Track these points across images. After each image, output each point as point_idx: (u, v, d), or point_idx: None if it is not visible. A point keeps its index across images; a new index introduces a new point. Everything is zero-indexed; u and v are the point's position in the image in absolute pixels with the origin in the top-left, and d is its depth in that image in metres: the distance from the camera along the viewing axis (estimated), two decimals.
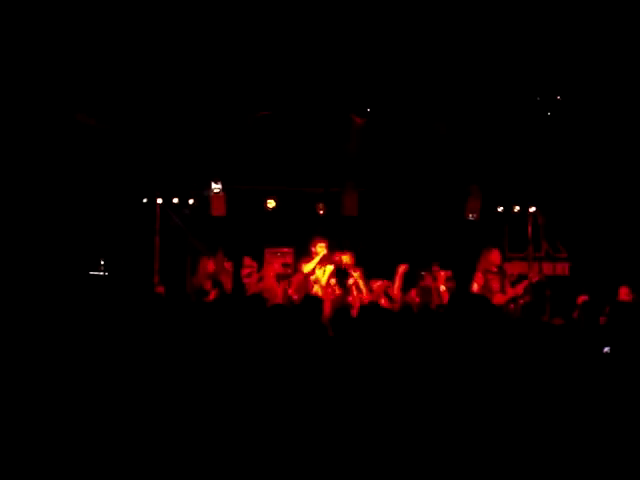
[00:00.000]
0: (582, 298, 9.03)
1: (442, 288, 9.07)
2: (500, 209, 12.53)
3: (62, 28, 8.51)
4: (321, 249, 9.44)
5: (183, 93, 10.27)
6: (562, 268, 12.90)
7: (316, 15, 8.53)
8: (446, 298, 8.90)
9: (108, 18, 8.54)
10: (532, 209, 12.48)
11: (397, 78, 9.85)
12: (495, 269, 9.39)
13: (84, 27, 8.56)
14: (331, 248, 9.82)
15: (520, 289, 9.30)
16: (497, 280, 9.35)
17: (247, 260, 11.82)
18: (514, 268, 11.85)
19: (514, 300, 9.16)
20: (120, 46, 9.18)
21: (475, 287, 9.06)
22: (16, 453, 2.58)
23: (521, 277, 10.29)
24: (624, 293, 8.85)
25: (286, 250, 12.23)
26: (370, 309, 6.71)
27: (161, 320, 6.12)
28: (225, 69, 9.75)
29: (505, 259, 10.68)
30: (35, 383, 2.93)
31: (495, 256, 9.46)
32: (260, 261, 12.24)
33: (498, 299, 8.89)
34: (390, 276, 9.56)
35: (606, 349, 4.47)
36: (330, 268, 8.90)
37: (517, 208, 12.44)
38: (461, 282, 10.38)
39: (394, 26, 8.70)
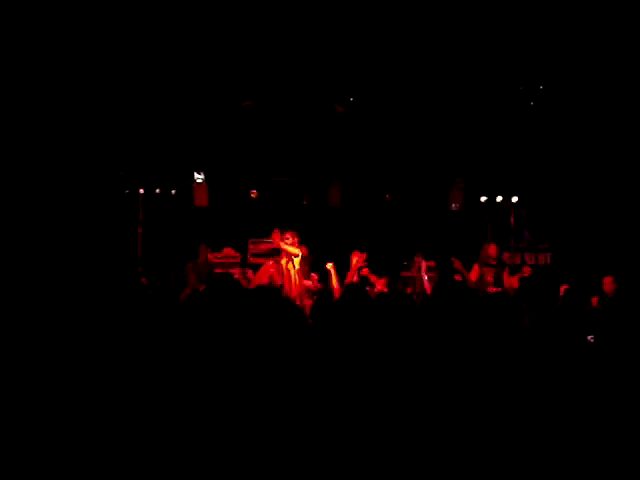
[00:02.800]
0: (564, 287, 9.13)
1: (425, 277, 9.08)
2: (483, 199, 12.57)
3: (51, 25, 8.44)
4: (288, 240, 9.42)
5: (166, 84, 10.20)
6: (544, 258, 13.00)
7: (300, 6, 8.50)
8: (428, 288, 8.92)
9: (91, 11, 8.46)
10: (514, 199, 12.54)
11: (380, 69, 9.83)
12: (493, 262, 9.51)
13: (69, 21, 8.48)
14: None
15: (515, 281, 9.39)
16: (492, 273, 9.47)
17: (229, 251, 11.84)
18: None
19: (507, 292, 9.24)
20: (104, 38, 9.11)
21: (471, 279, 9.16)
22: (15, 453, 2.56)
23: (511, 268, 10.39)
24: (608, 282, 8.91)
25: (269, 241, 12.18)
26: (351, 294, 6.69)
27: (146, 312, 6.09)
28: (209, 59, 9.69)
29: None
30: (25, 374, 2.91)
31: (492, 250, 9.61)
32: (243, 252, 12.24)
33: (491, 290, 8.98)
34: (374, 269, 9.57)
35: (590, 337, 4.50)
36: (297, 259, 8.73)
37: (499, 199, 12.48)
38: (444, 272, 10.45)
39: (377, 17, 8.67)
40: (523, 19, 8.89)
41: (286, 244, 8.50)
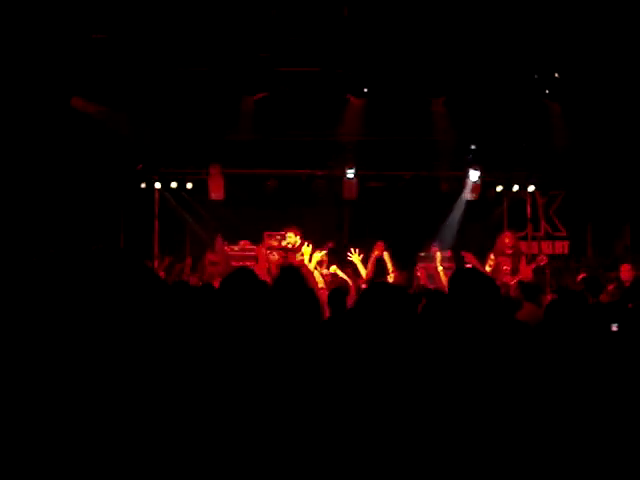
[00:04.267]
0: (581, 275, 9.08)
1: (440, 268, 8.99)
2: (499, 189, 12.50)
3: (55, 13, 8.46)
4: (290, 238, 9.48)
5: (181, 76, 10.22)
6: (561, 246, 12.93)
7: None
8: (445, 278, 8.84)
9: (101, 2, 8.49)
10: (531, 189, 12.45)
11: (394, 57, 9.78)
12: (509, 251, 9.45)
13: (77, 11, 8.50)
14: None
15: (529, 272, 9.34)
16: (509, 262, 9.42)
17: (245, 244, 11.84)
18: None
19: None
20: (115, 29, 9.13)
21: (487, 269, 9.10)
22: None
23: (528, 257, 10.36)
24: (626, 270, 8.84)
25: (284, 233, 12.17)
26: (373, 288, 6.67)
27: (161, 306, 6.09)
28: (222, 51, 9.69)
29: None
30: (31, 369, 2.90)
31: (507, 239, 9.55)
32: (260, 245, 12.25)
33: (507, 280, 8.93)
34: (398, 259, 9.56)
35: (614, 326, 4.44)
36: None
37: (516, 188, 12.40)
38: (460, 262, 10.43)
39: (392, 2, 8.62)
40: (538, 6, 8.81)
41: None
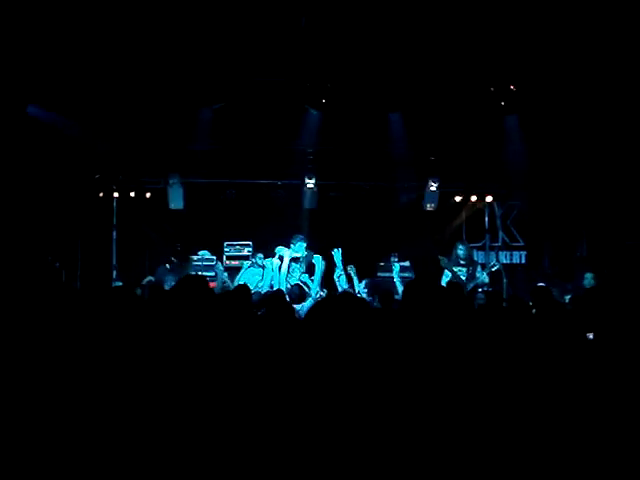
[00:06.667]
0: (539, 285, 9.19)
1: (395, 279, 9.01)
2: (458, 199, 12.61)
3: (11, 20, 8.36)
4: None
5: (139, 86, 10.15)
6: (519, 256, 13.09)
7: (270, 5, 8.50)
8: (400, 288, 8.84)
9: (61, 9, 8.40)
10: (489, 199, 12.58)
11: (352, 68, 9.84)
12: (463, 261, 9.55)
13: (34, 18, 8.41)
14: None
15: (485, 278, 9.47)
16: (465, 272, 9.51)
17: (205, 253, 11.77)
18: None
19: (476, 289, 9.31)
20: (74, 36, 9.05)
21: (445, 279, 9.18)
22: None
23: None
24: (589, 278, 8.95)
25: (245, 243, 12.13)
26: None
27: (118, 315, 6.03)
28: (180, 60, 9.66)
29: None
30: None
31: (460, 250, 9.64)
32: (219, 255, 12.20)
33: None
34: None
35: (590, 335, 4.48)
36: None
37: (474, 198, 12.52)
38: (419, 272, 10.49)
39: (349, 15, 8.67)
40: (494, 20, 8.93)
41: None
